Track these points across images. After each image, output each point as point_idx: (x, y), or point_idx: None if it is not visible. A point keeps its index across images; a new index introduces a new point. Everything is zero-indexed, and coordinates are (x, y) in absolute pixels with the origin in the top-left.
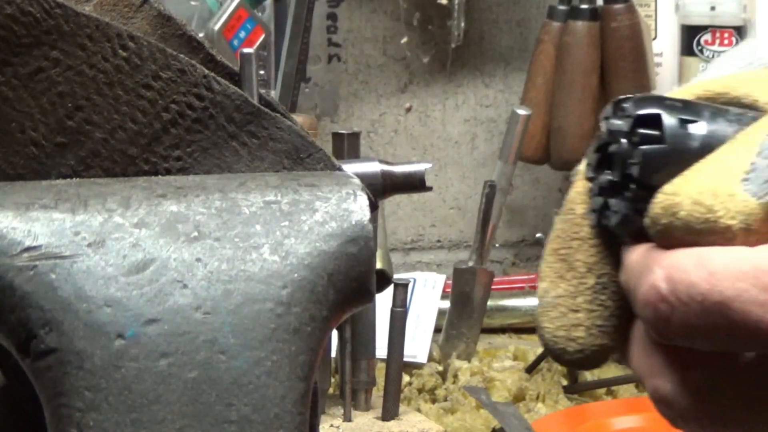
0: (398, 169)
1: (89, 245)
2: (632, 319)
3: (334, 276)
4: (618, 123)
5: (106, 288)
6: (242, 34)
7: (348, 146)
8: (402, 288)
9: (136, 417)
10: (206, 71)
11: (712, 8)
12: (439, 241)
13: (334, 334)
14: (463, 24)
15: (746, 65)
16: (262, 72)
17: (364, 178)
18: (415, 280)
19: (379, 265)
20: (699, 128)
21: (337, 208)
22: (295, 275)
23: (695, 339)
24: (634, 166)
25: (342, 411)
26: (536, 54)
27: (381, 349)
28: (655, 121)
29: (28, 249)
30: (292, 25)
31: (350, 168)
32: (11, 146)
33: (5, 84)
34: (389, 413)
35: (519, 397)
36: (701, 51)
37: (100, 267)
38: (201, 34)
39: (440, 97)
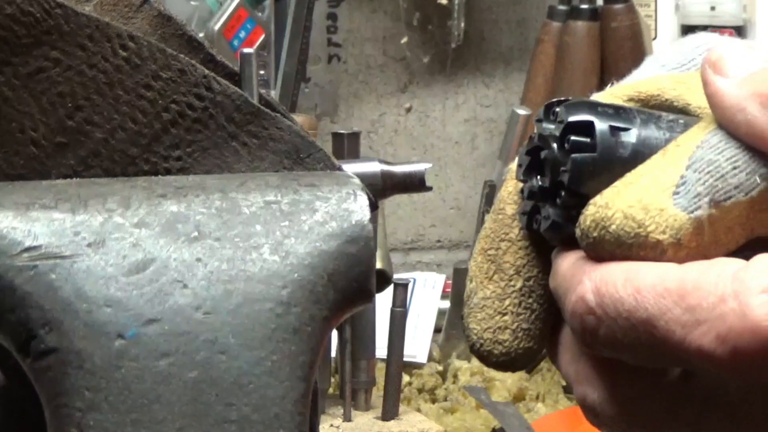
0: (398, 169)
1: (89, 245)
2: (561, 322)
3: (334, 276)
4: (549, 127)
5: (106, 288)
6: (242, 34)
7: (348, 146)
8: (402, 288)
9: (136, 417)
10: (206, 71)
11: (712, 8)
12: (439, 241)
13: (334, 334)
14: (463, 24)
15: (679, 66)
16: (262, 72)
17: (364, 178)
18: (415, 280)
19: (379, 265)
20: (630, 136)
21: (337, 208)
22: (295, 275)
23: (621, 352)
24: (565, 174)
25: (342, 411)
26: (536, 54)
27: (381, 349)
28: (586, 128)
29: (28, 249)
30: (292, 25)
31: (350, 168)
32: (11, 146)
33: (5, 84)
34: (389, 413)
35: (519, 397)
36: None
37: (100, 267)
38: (201, 34)
39: (440, 97)
